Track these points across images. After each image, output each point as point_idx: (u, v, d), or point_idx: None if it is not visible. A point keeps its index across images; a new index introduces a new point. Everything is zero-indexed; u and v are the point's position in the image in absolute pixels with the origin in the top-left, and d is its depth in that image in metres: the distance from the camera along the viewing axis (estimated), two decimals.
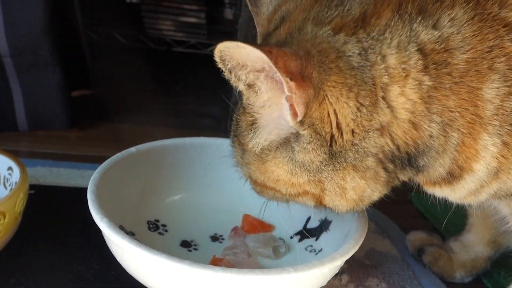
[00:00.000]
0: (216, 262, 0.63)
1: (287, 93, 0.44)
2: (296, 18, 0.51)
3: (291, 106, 0.45)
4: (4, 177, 0.69)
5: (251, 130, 0.51)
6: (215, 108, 1.42)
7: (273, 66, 0.42)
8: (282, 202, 0.57)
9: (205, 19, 1.69)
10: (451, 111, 0.46)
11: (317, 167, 0.49)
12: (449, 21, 0.46)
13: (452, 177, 0.50)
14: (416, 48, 0.46)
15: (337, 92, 0.46)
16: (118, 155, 0.69)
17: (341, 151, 0.48)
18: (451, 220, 0.89)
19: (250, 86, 0.46)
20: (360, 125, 0.47)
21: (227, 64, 0.44)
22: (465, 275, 0.74)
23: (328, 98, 0.46)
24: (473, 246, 0.74)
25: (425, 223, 0.90)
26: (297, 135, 0.48)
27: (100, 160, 0.67)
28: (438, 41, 0.46)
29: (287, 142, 0.49)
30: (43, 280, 0.60)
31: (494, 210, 0.62)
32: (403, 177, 0.52)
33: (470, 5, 0.46)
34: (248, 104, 0.49)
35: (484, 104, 0.46)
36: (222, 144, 0.78)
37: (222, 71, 0.45)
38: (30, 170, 0.66)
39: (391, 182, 0.51)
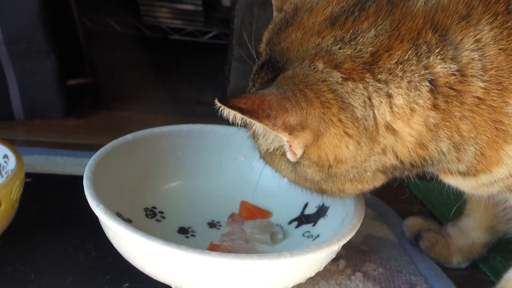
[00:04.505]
0: (213, 248, 0.63)
1: (285, 140, 0.45)
2: (309, 32, 0.47)
3: (290, 147, 0.46)
4: (0, 165, 0.69)
5: (256, 135, 0.52)
6: (212, 96, 1.41)
7: (272, 130, 0.43)
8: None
9: (202, 6, 1.67)
10: (465, 132, 0.45)
11: (317, 181, 0.51)
12: (473, 43, 0.43)
13: (466, 175, 0.50)
14: (428, 89, 0.44)
15: (336, 140, 0.45)
16: (114, 142, 0.69)
17: (339, 172, 0.49)
18: (449, 205, 0.90)
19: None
20: (359, 156, 0.47)
21: (224, 111, 0.46)
22: (462, 260, 0.74)
23: (326, 145, 0.46)
24: (470, 232, 0.74)
25: (422, 209, 0.90)
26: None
27: (96, 148, 0.67)
28: (454, 74, 0.43)
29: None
30: (41, 267, 0.60)
31: (504, 199, 0.61)
32: (406, 174, 0.53)
33: (499, 19, 0.43)
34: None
35: (510, 119, 0.44)
36: (219, 131, 0.78)
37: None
38: (26, 159, 0.65)
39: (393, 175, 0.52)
